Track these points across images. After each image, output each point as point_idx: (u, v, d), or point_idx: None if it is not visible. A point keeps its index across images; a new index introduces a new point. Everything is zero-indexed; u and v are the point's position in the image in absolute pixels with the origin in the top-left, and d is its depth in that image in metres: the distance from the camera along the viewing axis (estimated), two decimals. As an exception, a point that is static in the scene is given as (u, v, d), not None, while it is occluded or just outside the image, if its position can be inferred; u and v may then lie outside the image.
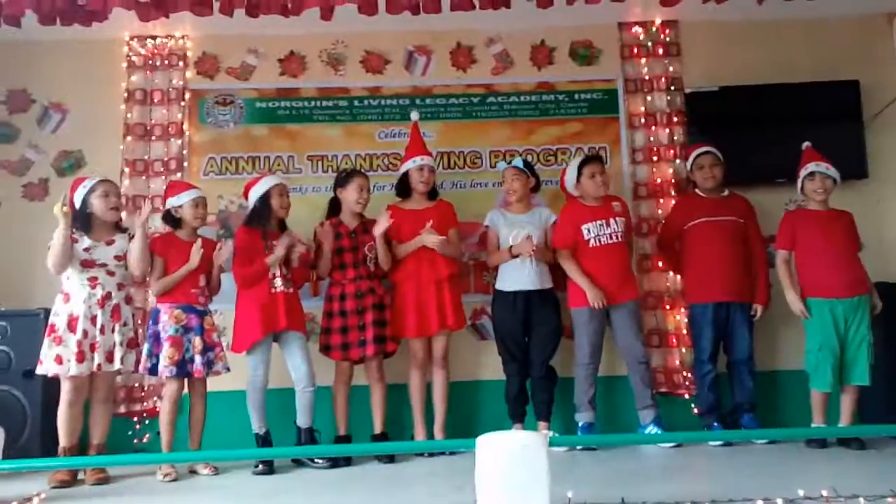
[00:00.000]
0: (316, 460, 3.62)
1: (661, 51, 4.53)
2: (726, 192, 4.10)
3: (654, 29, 4.55)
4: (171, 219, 3.71)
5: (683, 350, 4.24)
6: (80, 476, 3.44)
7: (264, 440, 3.68)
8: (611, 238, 3.92)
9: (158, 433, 4.02)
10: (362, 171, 4.12)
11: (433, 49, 4.57)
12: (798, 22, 4.43)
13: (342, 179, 3.93)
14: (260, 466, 3.55)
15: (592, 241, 3.91)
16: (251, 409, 3.66)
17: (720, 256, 3.93)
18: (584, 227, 3.92)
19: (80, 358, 3.35)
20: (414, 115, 4.14)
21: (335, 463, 3.60)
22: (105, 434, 3.56)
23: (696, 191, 4.13)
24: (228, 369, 3.68)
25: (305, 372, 3.69)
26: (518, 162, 4.06)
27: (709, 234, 3.96)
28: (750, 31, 4.47)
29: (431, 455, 3.77)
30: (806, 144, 3.94)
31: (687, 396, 4.20)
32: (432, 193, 4.03)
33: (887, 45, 4.52)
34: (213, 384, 3.73)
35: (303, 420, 3.68)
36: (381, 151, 4.48)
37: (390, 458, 3.68)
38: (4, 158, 4.42)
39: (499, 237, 3.97)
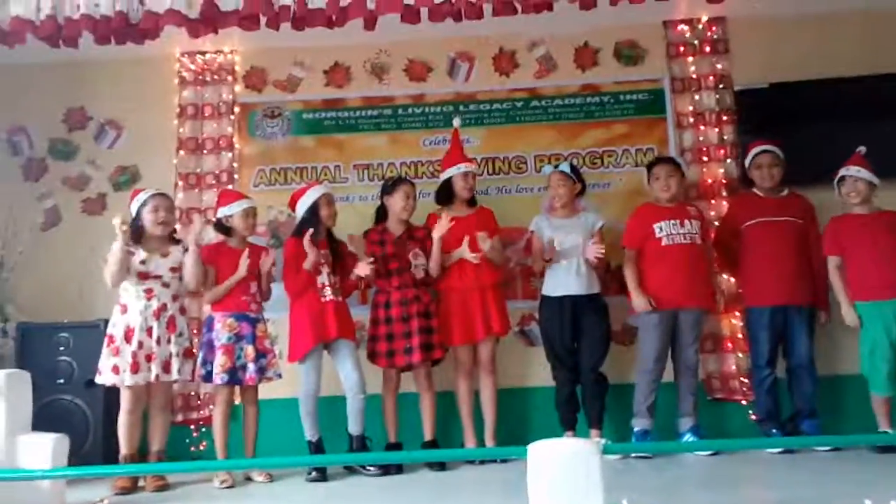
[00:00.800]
0: (368, 467, 3.64)
1: (708, 48, 4.44)
2: (785, 192, 3.99)
3: (700, 26, 4.46)
4: (223, 228, 3.80)
5: (740, 355, 4.14)
6: (141, 483, 3.54)
7: (317, 447, 3.72)
8: (685, 238, 3.83)
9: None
10: (408, 178, 4.14)
11: (476, 55, 4.57)
12: (852, 13, 4.29)
13: (389, 187, 3.95)
14: (313, 473, 3.58)
15: (665, 239, 3.83)
16: (304, 416, 3.71)
17: (778, 258, 3.82)
18: (656, 226, 3.85)
19: (136, 368, 3.45)
20: (456, 122, 4.13)
21: (386, 470, 3.62)
22: (164, 442, 3.66)
23: (754, 190, 4.02)
24: (280, 375, 3.74)
25: (356, 379, 3.71)
26: (564, 167, 4.02)
27: (767, 235, 3.86)
28: (800, 25, 4.35)
29: (482, 463, 3.76)
30: (860, 149, 3.80)
31: (744, 402, 4.10)
32: (472, 200, 4.02)
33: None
34: (267, 392, 3.80)
35: (355, 427, 3.71)
36: (425, 159, 4.49)
37: (441, 466, 3.68)
38: (64, 174, 4.58)
39: (544, 242, 3.94)
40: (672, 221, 3.85)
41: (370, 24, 3.56)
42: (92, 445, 3.89)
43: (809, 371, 3.82)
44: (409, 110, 4.56)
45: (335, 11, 3.40)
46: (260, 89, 4.61)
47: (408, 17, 3.50)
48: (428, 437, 3.85)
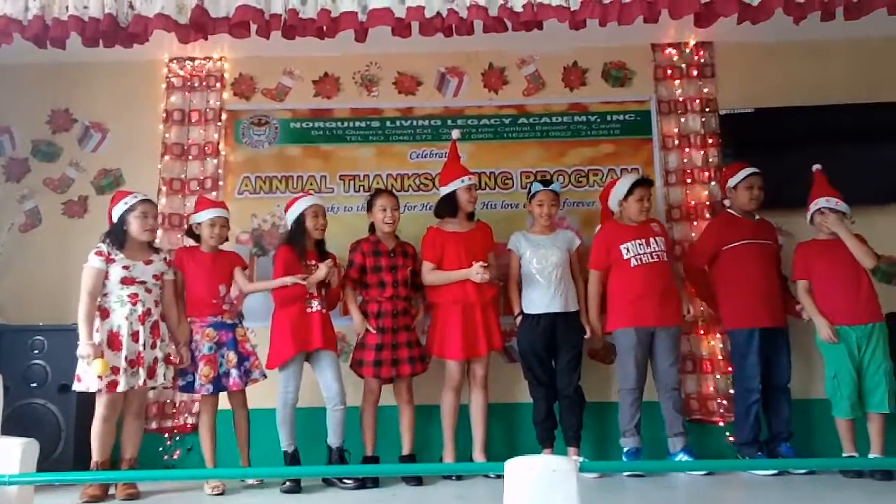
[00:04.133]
0: (344, 480, 3.60)
1: (695, 72, 4.50)
2: (757, 217, 4.04)
3: (687, 50, 4.52)
4: (192, 234, 3.85)
5: (718, 376, 4.16)
6: (111, 491, 3.47)
7: (293, 458, 3.69)
8: (652, 257, 3.86)
9: (189, 450, 4.07)
10: (390, 190, 4.13)
11: (465, 70, 4.60)
12: (837, 42, 4.36)
13: (369, 202, 3.95)
14: (287, 484, 3.54)
15: (633, 260, 3.86)
16: (281, 426, 3.68)
17: (762, 280, 3.86)
18: (622, 247, 3.88)
19: (124, 374, 3.39)
20: (455, 134, 4.12)
21: (363, 483, 3.58)
22: (137, 449, 3.60)
23: (731, 211, 4.06)
24: (265, 375, 3.74)
25: (337, 390, 3.69)
26: (555, 186, 4.04)
27: (749, 257, 3.89)
28: (786, 52, 4.42)
29: (460, 478, 3.73)
30: (816, 167, 3.88)
31: (721, 424, 4.11)
32: (471, 214, 4.02)
33: (931, 65, 4.44)
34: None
35: (334, 439, 3.68)
36: (412, 172, 4.50)
37: (418, 481, 3.65)
38: (47, 176, 4.53)
39: (521, 260, 3.95)
40: (638, 241, 3.88)
41: (361, 35, 3.55)
42: (63, 451, 3.82)
43: (787, 394, 3.85)
44: (397, 123, 4.57)
45: (326, 22, 3.39)
46: (248, 97, 4.60)
47: (399, 30, 3.50)
48: (406, 451, 3.82)
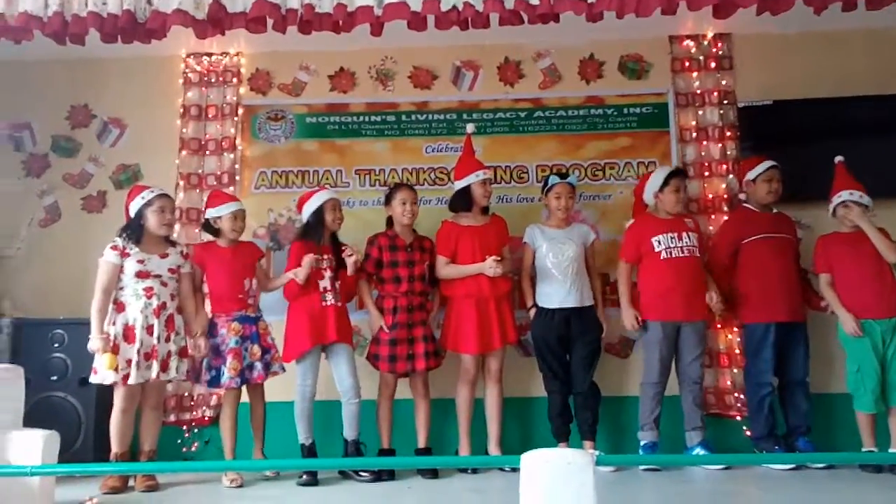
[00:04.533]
0: (360, 473, 3.62)
1: (713, 64, 4.46)
2: (775, 210, 4.00)
3: (705, 42, 4.48)
4: (210, 228, 3.81)
5: (735, 370, 4.13)
6: (131, 483, 3.52)
7: (309, 451, 3.71)
8: (683, 252, 3.83)
9: (207, 442, 4.11)
10: (409, 184, 4.14)
11: (481, 64, 4.58)
12: (858, 32, 4.30)
13: (388, 196, 3.96)
14: (304, 477, 3.57)
15: (664, 252, 3.83)
16: (298, 419, 3.70)
17: (780, 274, 3.83)
18: (654, 239, 3.85)
19: (138, 367, 3.43)
20: (470, 128, 4.11)
21: (378, 476, 3.60)
22: (155, 441, 3.64)
23: (747, 205, 4.02)
24: (284, 369, 3.75)
25: (351, 384, 3.71)
26: (572, 179, 4.02)
27: (767, 252, 3.86)
28: (806, 43, 4.37)
29: (475, 471, 3.74)
30: (838, 159, 3.84)
31: (739, 418, 4.08)
32: (486, 208, 4.01)
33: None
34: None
35: (349, 432, 3.70)
36: (427, 166, 4.50)
37: (434, 474, 3.66)
38: (66, 172, 4.58)
39: (535, 253, 3.94)
40: (670, 234, 3.85)
41: (377, 29, 3.56)
42: (83, 443, 3.87)
43: (804, 388, 3.81)
44: (413, 117, 4.56)
45: (342, 16, 3.40)
46: (265, 92, 4.62)
47: (414, 23, 3.50)
48: (422, 444, 3.84)
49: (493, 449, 3.85)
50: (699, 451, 3.75)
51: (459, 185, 3.96)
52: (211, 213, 3.80)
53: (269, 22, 3.49)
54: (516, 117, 4.53)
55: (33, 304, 4.28)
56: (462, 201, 3.95)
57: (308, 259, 3.66)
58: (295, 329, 3.72)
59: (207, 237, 3.89)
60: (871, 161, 3.88)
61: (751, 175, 3.99)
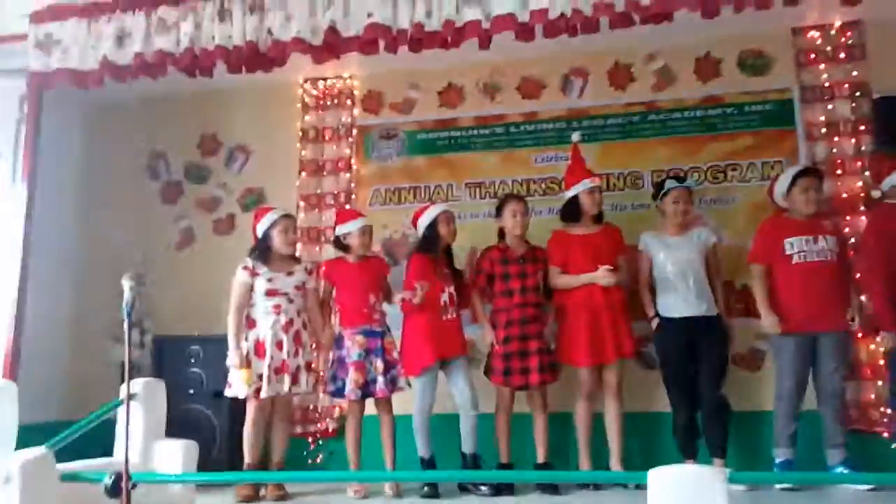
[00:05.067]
0: (480, 486, 3.61)
1: (842, 55, 4.16)
2: None
3: (833, 32, 4.20)
4: (340, 245, 3.92)
5: (879, 383, 3.81)
6: (262, 492, 3.67)
7: (429, 464, 3.74)
8: (819, 255, 3.59)
9: (331, 454, 4.21)
10: (520, 195, 4.12)
11: (589, 70, 4.51)
12: None
13: (498, 207, 3.96)
14: (426, 489, 3.60)
15: (796, 256, 3.61)
16: (418, 432, 3.74)
17: None
18: (786, 241, 3.63)
19: (269, 381, 3.59)
20: (575, 136, 4.05)
21: (498, 490, 3.58)
22: (284, 452, 3.79)
23: (890, 201, 3.69)
24: (410, 384, 3.78)
25: (470, 397, 3.71)
26: (691, 182, 3.87)
27: None
28: (951, 26, 4.01)
29: (597, 488, 3.64)
30: None
31: (886, 435, 3.76)
32: (598, 216, 3.94)
33: None
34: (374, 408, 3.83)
35: (468, 445, 3.70)
36: (537, 176, 4.47)
37: (555, 489, 3.59)
38: (198, 196, 4.90)
39: (651, 261, 3.80)
40: (806, 237, 3.61)
41: (485, 43, 3.58)
42: (218, 453, 4.08)
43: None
44: (521, 128, 4.55)
45: (451, 32, 3.44)
46: (377, 112, 4.76)
47: (522, 34, 3.49)
48: (541, 459, 3.78)
49: (615, 465, 3.74)
50: (841, 469, 3.48)
51: (568, 194, 3.91)
52: (340, 230, 3.90)
53: (381, 43, 3.59)
54: (628, 122, 4.43)
55: (171, 322, 4.58)
56: (571, 211, 3.90)
57: (421, 287, 3.68)
58: (415, 343, 3.76)
59: (338, 253, 3.97)
60: None
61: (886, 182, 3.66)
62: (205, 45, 3.60)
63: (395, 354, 3.81)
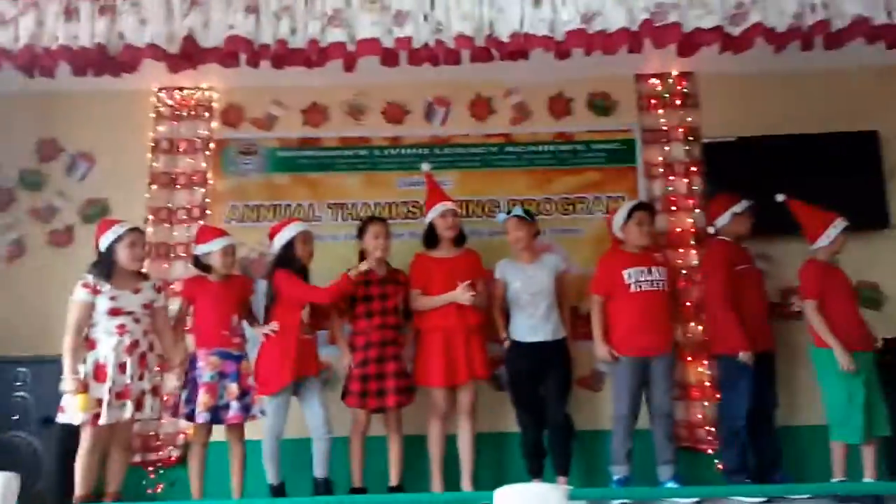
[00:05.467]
0: (331, 512, 3.56)
1: (678, 102, 4.57)
2: (743, 244, 4.07)
3: (670, 80, 4.60)
4: (200, 265, 3.75)
5: (706, 403, 4.16)
6: (94, 525, 3.40)
7: (278, 492, 3.63)
8: (653, 285, 3.86)
9: (172, 484, 3.99)
10: (382, 217, 4.15)
11: (452, 100, 4.65)
12: (816, 72, 4.41)
13: (360, 229, 3.96)
14: (275, 517, 3.50)
15: (633, 286, 3.86)
16: (267, 458, 3.64)
17: (756, 305, 3.91)
18: (624, 272, 3.88)
19: (109, 406, 3.34)
20: (425, 167, 4.17)
21: (350, 515, 3.54)
22: (121, 482, 3.54)
23: (725, 238, 4.05)
24: (264, 413, 3.65)
25: (323, 418, 3.67)
26: (518, 211, 4.05)
27: (747, 283, 3.91)
28: (767, 82, 4.50)
29: (448, 508, 3.69)
30: (781, 197, 3.91)
31: (710, 452, 4.10)
32: (460, 241, 4.03)
33: (905, 96, 4.55)
34: (222, 434, 3.67)
35: (320, 470, 3.64)
36: (400, 200, 4.53)
37: (407, 511, 3.61)
38: (32, 206, 4.51)
39: (506, 287, 3.95)
40: (640, 268, 3.89)
41: (350, 65, 3.59)
42: (45, 485, 3.75)
43: (772, 420, 3.86)
44: (385, 152, 4.60)
45: (315, 52, 3.43)
46: (236, 126, 4.62)
47: (387, 60, 3.54)
48: (394, 481, 3.79)
49: (466, 485, 3.82)
50: (671, 485, 3.75)
51: (426, 220, 4.01)
52: (201, 250, 3.73)
53: (242, 57, 3.51)
54: (487, 152, 4.59)
55: (-4, 341, 4.17)
56: (430, 236, 3.98)
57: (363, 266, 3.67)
58: (272, 361, 3.66)
59: (195, 271, 3.80)
60: (828, 196, 3.94)
61: (737, 209, 4.01)
62: (47, 43, 3.35)
63: (251, 381, 3.67)
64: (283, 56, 3.48)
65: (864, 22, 3.21)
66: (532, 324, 3.85)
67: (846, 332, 3.67)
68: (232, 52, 3.44)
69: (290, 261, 3.77)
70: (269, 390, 3.65)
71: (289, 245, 3.78)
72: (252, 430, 3.69)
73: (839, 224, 3.81)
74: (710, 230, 4.20)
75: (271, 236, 3.87)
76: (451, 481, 3.83)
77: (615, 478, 3.80)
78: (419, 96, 4.64)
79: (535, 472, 3.81)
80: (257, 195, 4.54)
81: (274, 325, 3.68)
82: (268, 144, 4.61)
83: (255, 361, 3.72)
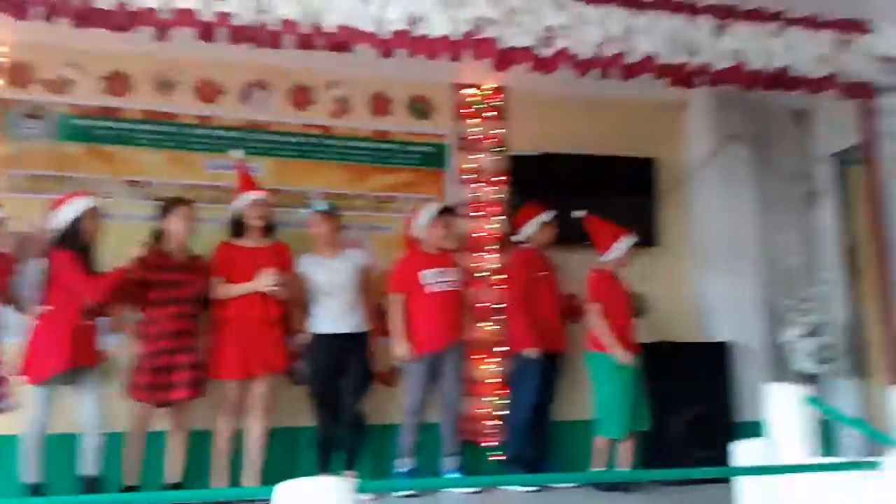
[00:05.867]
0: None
1: (491, 113, 4.80)
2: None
3: (486, 92, 4.82)
4: None
5: (490, 398, 4.38)
6: None
7: (36, 491, 3.30)
8: (448, 286, 4.02)
9: None
10: (190, 200, 3.93)
11: (272, 85, 4.52)
12: (611, 99, 4.76)
13: (164, 209, 3.73)
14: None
15: (431, 287, 3.99)
16: (28, 454, 3.31)
17: (552, 307, 4.22)
18: (421, 273, 3.99)
19: None
20: (237, 154, 4.05)
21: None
22: None
23: (528, 245, 4.32)
24: (19, 405, 3.32)
25: (97, 413, 3.43)
26: (321, 205, 4.05)
27: (545, 286, 4.22)
28: (571, 104, 4.80)
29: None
30: (580, 214, 4.32)
31: (489, 444, 4.32)
32: (269, 231, 3.92)
33: (680, 129, 5.14)
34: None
35: (90, 467, 3.39)
36: (208, 182, 4.31)
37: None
38: None
39: (309, 280, 3.93)
40: (437, 270, 4.04)
41: (161, 34, 3.36)
42: None
43: (549, 415, 4.21)
44: (195, 130, 4.36)
45: (123, 15, 3.17)
46: (24, 86, 4.15)
47: (204, 34, 3.37)
48: (177, 478, 3.62)
49: (251, 480, 3.70)
50: (456, 475, 3.94)
51: (234, 208, 3.90)
52: None
53: (37, 10, 3.15)
54: (306, 143, 4.53)
55: None
56: (237, 224, 3.86)
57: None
58: (47, 345, 3.34)
59: None
60: (616, 214, 4.38)
61: (544, 218, 4.31)
62: None
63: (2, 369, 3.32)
64: (86, 14, 3.18)
65: (652, 59, 3.59)
66: (335, 315, 3.86)
67: (621, 335, 4.08)
68: (20, 3, 3.08)
69: (73, 239, 3.46)
70: (39, 378, 3.33)
71: (75, 222, 3.47)
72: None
73: (628, 240, 4.20)
74: (516, 238, 4.45)
75: (54, 207, 3.52)
76: (237, 479, 3.71)
77: (403, 471, 3.91)
78: (237, 77, 4.45)
79: (325, 466, 3.81)
80: (42, 164, 4.10)
81: (44, 308, 3.34)
82: (59, 109, 4.18)
83: (26, 344, 3.37)
